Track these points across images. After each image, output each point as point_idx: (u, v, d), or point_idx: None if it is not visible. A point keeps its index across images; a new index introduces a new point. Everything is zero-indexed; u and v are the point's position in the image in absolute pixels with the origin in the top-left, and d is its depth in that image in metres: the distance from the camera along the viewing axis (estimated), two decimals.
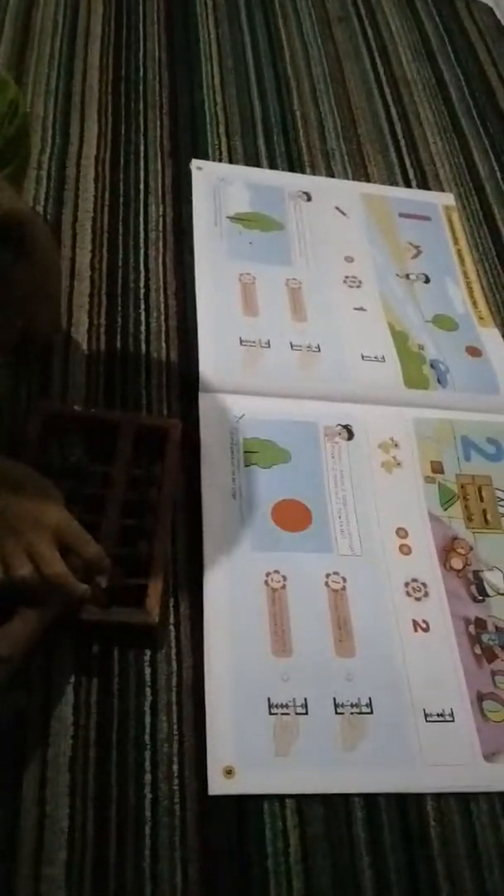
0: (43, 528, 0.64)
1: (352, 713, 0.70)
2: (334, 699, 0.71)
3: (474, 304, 1.05)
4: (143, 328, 0.92)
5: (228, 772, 0.65)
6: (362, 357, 0.95)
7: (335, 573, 0.78)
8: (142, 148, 1.10)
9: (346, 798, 0.67)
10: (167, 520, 0.76)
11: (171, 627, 0.72)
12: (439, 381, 0.95)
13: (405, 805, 0.68)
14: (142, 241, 1.00)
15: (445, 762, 0.70)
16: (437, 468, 0.88)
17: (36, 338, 0.80)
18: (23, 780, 0.63)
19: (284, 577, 0.76)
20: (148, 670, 0.70)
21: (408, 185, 1.18)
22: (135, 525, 0.75)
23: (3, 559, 0.63)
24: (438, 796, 0.68)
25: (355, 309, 1.00)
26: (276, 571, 0.77)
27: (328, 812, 0.66)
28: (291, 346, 0.93)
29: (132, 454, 0.79)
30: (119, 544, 0.73)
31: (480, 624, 0.78)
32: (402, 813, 0.67)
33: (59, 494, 0.67)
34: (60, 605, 0.65)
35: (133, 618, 0.70)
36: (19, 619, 0.62)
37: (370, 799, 0.67)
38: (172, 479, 0.78)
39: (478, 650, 0.76)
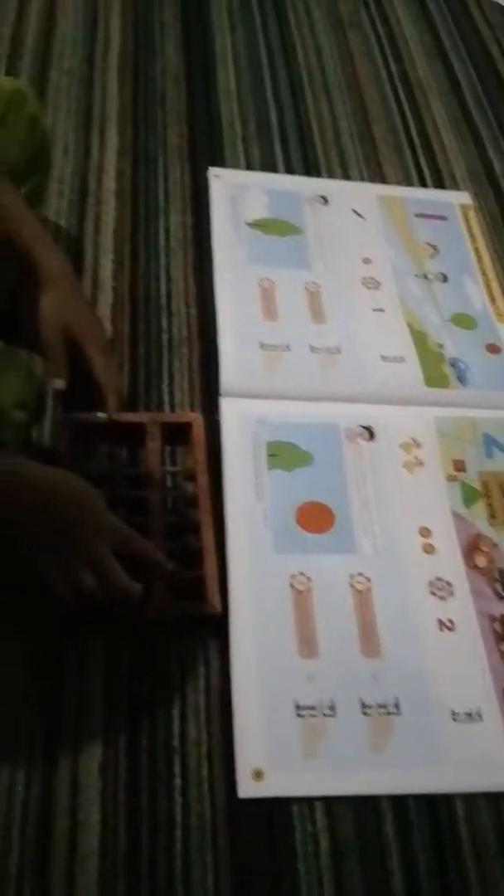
0: (101, 538, 0.67)
1: (379, 714, 0.70)
2: (361, 700, 0.71)
3: (493, 301, 1.05)
4: (165, 335, 0.93)
5: (258, 774, 0.66)
6: (382, 358, 0.95)
7: (359, 574, 0.78)
8: (161, 158, 1.11)
9: (375, 799, 0.67)
10: (209, 510, 0.78)
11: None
12: (459, 380, 0.95)
13: (434, 806, 0.67)
14: (162, 249, 1.01)
15: (474, 762, 0.70)
16: (460, 467, 0.88)
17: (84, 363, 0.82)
18: (54, 786, 0.64)
19: (309, 579, 0.77)
20: (177, 674, 0.70)
21: (423, 185, 1.18)
22: (179, 521, 0.78)
23: (67, 572, 0.65)
24: (468, 796, 0.68)
25: (374, 310, 1.00)
26: (301, 573, 0.77)
27: (357, 814, 0.66)
28: (311, 348, 0.94)
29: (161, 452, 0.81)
30: (168, 540, 0.75)
31: None
32: (431, 814, 0.67)
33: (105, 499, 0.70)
34: None
35: (196, 610, 0.72)
36: None
37: (399, 800, 0.67)
38: (206, 471, 0.80)
39: None
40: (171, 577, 0.72)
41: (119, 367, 0.88)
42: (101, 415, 0.81)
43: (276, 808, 0.65)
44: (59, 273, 0.82)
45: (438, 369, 0.95)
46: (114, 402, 0.81)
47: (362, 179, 1.16)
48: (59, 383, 0.81)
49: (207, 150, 1.14)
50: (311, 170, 1.16)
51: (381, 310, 1.00)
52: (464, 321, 1.01)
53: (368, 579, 0.78)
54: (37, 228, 0.82)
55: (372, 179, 1.17)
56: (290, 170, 1.15)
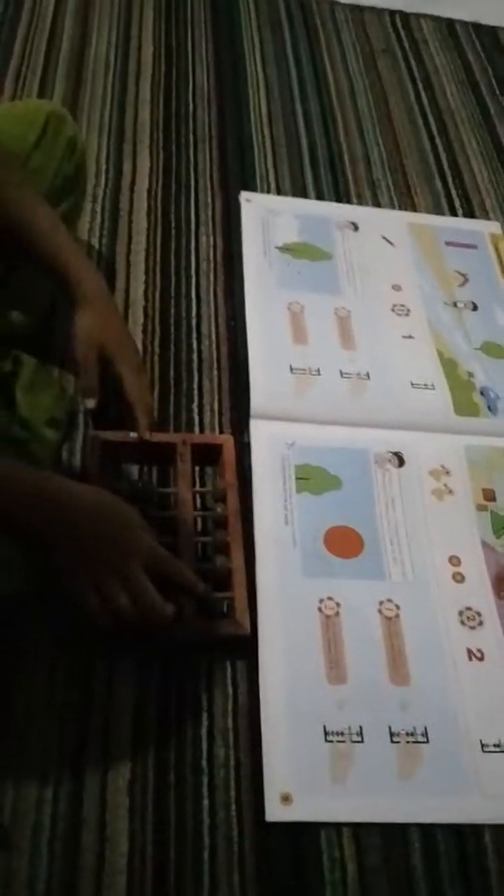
0: (135, 558, 0.67)
1: (407, 742, 0.70)
2: (389, 727, 0.70)
3: None
4: (195, 356, 0.94)
5: (285, 798, 0.66)
6: (412, 384, 0.95)
7: (388, 600, 0.78)
8: (192, 181, 1.13)
9: (403, 828, 0.67)
10: (238, 532, 0.78)
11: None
12: (490, 409, 0.95)
13: (462, 836, 0.67)
14: (193, 271, 1.02)
15: (503, 793, 0.69)
16: (490, 496, 0.88)
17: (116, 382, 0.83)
18: (83, 801, 0.64)
19: (338, 604, 0.77)
20: (205, 695, 0.70)
21: (454, 213, 1.19)
22: (208, 541, 0.78)
23: (99, 591, 0.65)
24: (496, 828, 0.68)
25: (404, 337, 1.01)
26: (330, 598, 0.77)
27: (385, 842, 0.66)
28: (341, 373, 0.94)
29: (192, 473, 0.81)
30: (197, 561, 0.75)
31: None
32: (459, 844, 0.67)
33: (142, 520, 0.70)
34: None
35: (226, 631, 0.72)
36: None
37: (427, 829, 0.67)
38: (235, 493, 0.80)
39: None
40: (204, 599, 0.72)
41: (150, 386, 0.89)
42: (132, 434, 0.82)
43: (304, 833, 0.65)
44: (94, 292, 0.83)
45: (468, 398, 0.96)
46: (145, 422, 0.82)
47: (392, 207, 1.17)
48: (91, 402, 0.82)
49: (238, 173, 1.15)
50: (341, 196, 1.17)
51: (410, 337, 1.01)
52: (494, 350, 1.02)
53: (397, 606, 0.78)
54: (73, 248, 0.83)
55: (402, 207, 1.18)
56: (320, 195, 1.16)
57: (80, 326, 0.82)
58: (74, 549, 0.66)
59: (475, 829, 0.67)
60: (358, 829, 0.66)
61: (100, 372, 0.81)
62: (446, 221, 1.17)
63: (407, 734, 0.70)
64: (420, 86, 1.38)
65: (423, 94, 1.37)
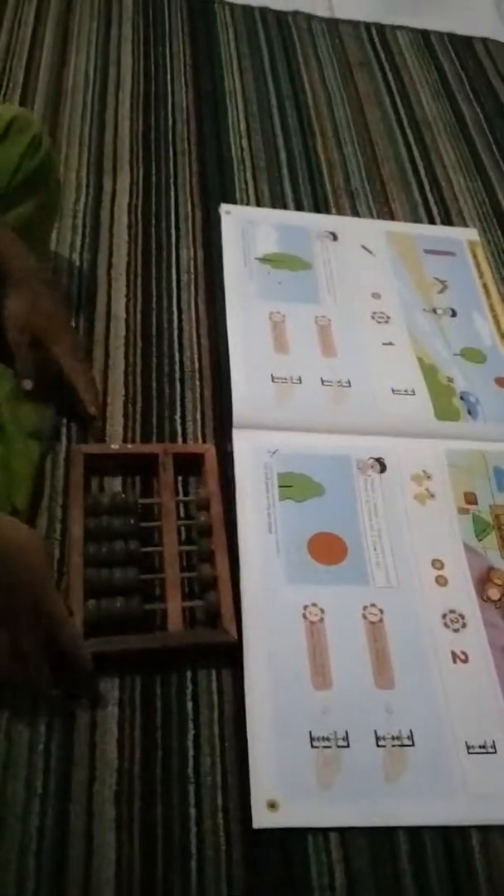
0: (20, 615, 0.64)
1: (393, 745, 0.70)
2: (375, 732, 0.71)
3: (502, 336, 1.07)
4: (177, 368, 0.95)
5: (272, 805, 0.66)
6: (392, 391, 0.96)
7: (372, 605, 0.78)
8: (172, 194, 1.14)
9: (390, 831, 0.67)
10: (222, 540, 0.78)
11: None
12: (470, 413, 0.96)
13: (450, 838, 0.67)
14: (174, 283, 1.03)
15: (489, 794, 0.69)
16: (471, 499, 0.88)
17: (54, 366, 0.84)
18: (70, 813, 0.64)
19: (322, 610, 0.77)
20: (190, 703, 0.70)
21: (431, 221, 1.20)
22: (193, 550, 0.79)
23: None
24: (483, 829, 0.68)
25: (384, 344, 1.01)
26: (314, 604, 0.78)
27: (373, 845, 0.66)
28: (322, 381, 0.95)
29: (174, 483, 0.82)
30: (182, 570, 0.76)
31: None
32: (446, 846, 0.67)
33: (39, 543, 0.68)
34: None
35: (213, 638, 0.73)
36: None
37: (414, 832, 0.67)
38: (219, 501, 0.81)
39: None
40: (84, 675, 0.69)
41: (90, 363, 0.90)
42: (113, 446, 0.82)
43: (291, 839, 0.65)
44: (25, 275, 0.81)
45: (449, 403, 0.96)
46: (89, 398, 0.83)
47: (371, 216, 1.19)
48: (27, 384, 0.82)
49: (217, 186, 1.16)
50: (320, 207, 1.18)
51: (390, 343, 1.02)
52: (473, 355, 1.03)
53: (381, 611, 0.78)
54: (5, 233, 0.81)
55: (381, 216, 1.19)
56: (299, 207, 1.17)
57: (10, 309, 0.81)
58: None
59: (462, 831, 0.68)
60: (345, 833, 0.66)
61: (35, 355, 0.82)
62: (424, 229, 1.18)
63: (393, 738, 0.71)
64: (397, 96, 1.40)
65: (399, 104, 1.39)
